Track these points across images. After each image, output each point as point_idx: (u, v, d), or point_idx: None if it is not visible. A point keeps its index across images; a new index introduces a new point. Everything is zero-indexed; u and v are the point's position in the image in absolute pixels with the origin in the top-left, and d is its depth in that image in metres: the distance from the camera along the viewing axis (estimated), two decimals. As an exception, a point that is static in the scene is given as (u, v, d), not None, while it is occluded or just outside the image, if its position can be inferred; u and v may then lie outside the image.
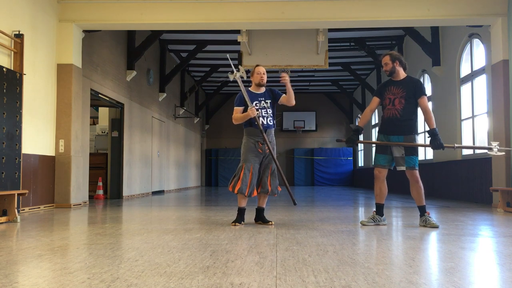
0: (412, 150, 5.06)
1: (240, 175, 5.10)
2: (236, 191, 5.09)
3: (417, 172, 5.08)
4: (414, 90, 5.09)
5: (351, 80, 19.80)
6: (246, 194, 5.07)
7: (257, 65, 5.42)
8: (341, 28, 11.82)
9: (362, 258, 3.21)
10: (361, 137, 4.76)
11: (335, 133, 23.70)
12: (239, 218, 5.20)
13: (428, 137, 5.11)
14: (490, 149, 5.34)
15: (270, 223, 5.26)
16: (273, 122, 5.31)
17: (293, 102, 5.29)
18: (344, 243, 3.86)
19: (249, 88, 5.37)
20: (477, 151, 9.39)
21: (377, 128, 17.16)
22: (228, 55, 5.85)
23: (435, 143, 5.01)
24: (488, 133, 8.70)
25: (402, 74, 5.21)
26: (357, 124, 5.37)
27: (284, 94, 5.35)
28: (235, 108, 5.27)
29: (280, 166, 5.26)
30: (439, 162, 10.98)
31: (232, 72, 5.42)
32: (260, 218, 5.33)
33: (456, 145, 5.41)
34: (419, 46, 11.63)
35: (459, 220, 5.80)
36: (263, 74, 5.31)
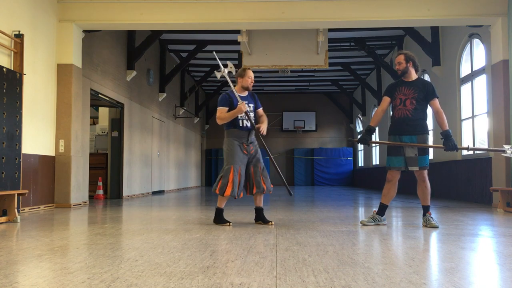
0: (425, 150, 5.07)
1: (229, 178, 5.03)
2: (226, 194, 5.04)
3: (425, 172, 5.07)
4: (426, 93, 5.08)
5: (351, 80, 19.80)
6: (236, 197, 5.08)
7: (249, 68, 5.36)
8: (341, 28, 11.82)
9: (362, 258, 3.21)
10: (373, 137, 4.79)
11: (335, 133, 23.70)
12: (222, 219, 5.24)
13: (441, 138, 5.10)
14: (503, 151, 5.35)
15: (270, 223, 5.26)
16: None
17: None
18: (344, 243, 3.86)
19: (233, 90, 5.33)
20: (478, 151, 9.39)
21: (376, 130, 17.20)
22: (214, 52, 5.80)
23: (449, 144, 5.00)
24: (488, 133, 8.70)
25: (414, 75, 5.20)
26: (369, 124, 5.34)
27: (261, 109, 5.40)
28: (219, 108, 5.18)
29: (274, 159, 5.29)
30: (439, 162, 10.98)
31: (219, 70, 5.33)
32: (260, 218, 5.33)
33: (470, 146, 5.38)
34: (419, 46, 11.62)
35: (459, 220, 5.80)
36: (252, 79, 5.30)
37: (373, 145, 18.45)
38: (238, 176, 5.05)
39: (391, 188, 5.21)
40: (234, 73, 5.37)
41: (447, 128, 5.07)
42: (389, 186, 5.20)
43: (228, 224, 5.18)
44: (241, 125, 5.13)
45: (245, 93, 5.31)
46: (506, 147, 5.33)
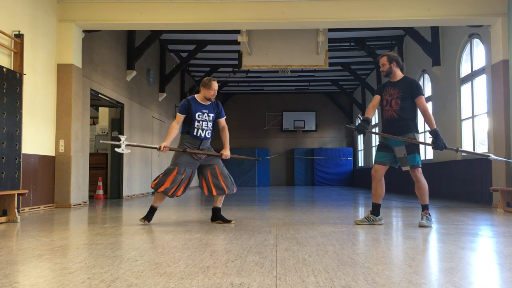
0: (413, 149, 5.03)
1: (169, 177, 5.12)
2: (160, 190, 5.12)
3: (417, 171, 5.05)
4: (410, 91, 5.06)
5: (351, 80, 19.79)
6: (169, 195, 5.14)
7: (214, 80, 5.37)
8: (341, 28, 11.82)
9: (362, 258, 3.21)
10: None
11: (335, 133, 23.69)
12: (150, 216, 5.28)
13: (430, 137, 5.10)
14: (488, 156, 5.44)
15: (232, 222, 5.33)
16: (211, 134, 5.41)
17: (225, 139, 5.54)
18: (344, 243, 3.86)
19: (196, 96, 5.36)
20: (479, 151, 9.39)
21: (377, 129, 17.21)
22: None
23: (438, 143, 5.00)
24: (488, 133, 8.70)
25: (399, 75, 5.20)
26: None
27: (224, 119, 5.49)
28: (177, 114, 5.30)
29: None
30: (439, 162, 10.98)
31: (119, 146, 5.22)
32: (219, 218, 5.38)
33: (459, 148, 5.41)
34: (419, 46, 11.62)
35: (459, 220, 5.80)
36: (216, 91, 5.34)
37: (374, 144, 18.46)
38: (181, 178, 5.14)
39: (377, 186, 5.24)
40: (125, 151, 5.21)
41: (435, 127, 5.05)
42: (374, 184, 5.25)
43: (142, 221, 5.24)
44: (195, 133, 5.24)
45: (208, 102, 5.37)
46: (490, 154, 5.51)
